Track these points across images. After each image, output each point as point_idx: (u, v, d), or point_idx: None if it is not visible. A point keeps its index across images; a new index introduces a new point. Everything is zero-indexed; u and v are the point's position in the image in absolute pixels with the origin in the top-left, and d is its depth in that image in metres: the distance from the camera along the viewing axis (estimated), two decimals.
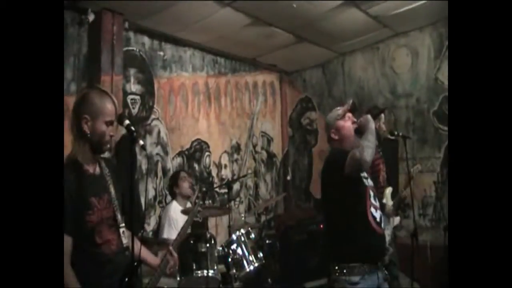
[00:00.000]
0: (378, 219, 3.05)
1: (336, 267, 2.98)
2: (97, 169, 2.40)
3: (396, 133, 4.48)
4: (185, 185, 4.96)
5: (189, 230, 3.97)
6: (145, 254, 2.82)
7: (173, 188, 5.00)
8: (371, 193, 3.08)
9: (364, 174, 3.17)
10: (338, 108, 3.25)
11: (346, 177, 2.90)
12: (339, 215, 2.99)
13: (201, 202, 3.61)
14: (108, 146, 2.37)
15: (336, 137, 3.14)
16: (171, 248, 2.84)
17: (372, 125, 2.99)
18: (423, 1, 5.43)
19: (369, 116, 3.05)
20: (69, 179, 2.23)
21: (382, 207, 4.40)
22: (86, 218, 2.24)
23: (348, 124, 3.13)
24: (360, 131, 3.05)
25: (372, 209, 3.02)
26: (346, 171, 2.86)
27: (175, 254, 2.82)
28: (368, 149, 2.85)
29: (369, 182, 3.14)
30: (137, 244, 2.35)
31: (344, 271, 2.94)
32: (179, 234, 3.43)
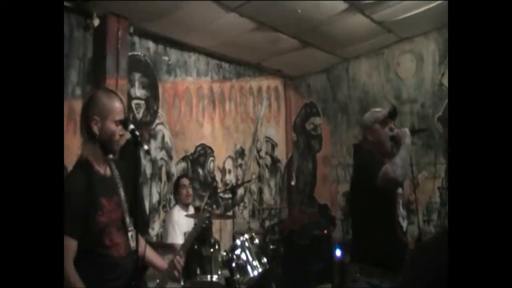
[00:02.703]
0: (404, 229, 3.04)
1: (358, 268, 2.98)
2: (108, 171, 2.39)
3: None
4: (183, 192, 4.92)
5: None
6: (153, 256, 2.82)
7: (175, 195, 5.01)
8: (401, 201, 3.07)
9: None
10: (378, 109, 3.21)
11: (377, 186, 2.88)
12: (367, 218, 2.98)
13: (209, 209, 3.60)
14: (118, 146, 2.35)
15: (371, 139, 3.12)
16: (181, 252, 2.82)
17: (408, 140, 2.91)
18: (428, 7, 5.42)
19: (407, 130, 2.97)
20: (80, 179, 2.23)
21: None
22: (96, 219, 2.23)
23: (385, 130, 3.09)
24: (394, 141, 3.01)
25: (400, 218, 3.01)
26: (379, 184, 2.82)
27: (183, 258, 2.80)
28: (401, 168, 2.79)
29: (399, 190, 3.12)
30: (144, 247, 2.34)
31: (365, 272, 2.94)
32: (186, 240, 3.41)
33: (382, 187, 2.83)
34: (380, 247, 2.92)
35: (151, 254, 2.86)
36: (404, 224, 3.03)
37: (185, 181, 5.02)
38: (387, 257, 2.90)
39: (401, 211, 3.03)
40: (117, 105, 2.34)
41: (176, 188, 4.99)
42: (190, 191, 4.99)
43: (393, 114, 3.12)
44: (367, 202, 2.97)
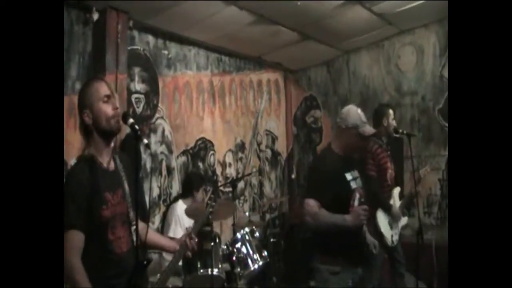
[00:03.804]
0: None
1: (319, 257, 3.07)
2: (112, 164, 2.38)
3: (400, 131, 4.47)
4: (202, 194, 4.97)
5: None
6: (161, 239, 2.83)
7: (192, 190, 4.97)
8: (357, 195, 3.12)
9: (355, 174, 3.22)
10: (363, 117, 3.22)
11: (330, 179, 2.99)
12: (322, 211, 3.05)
13: (213, 203, 3.61)
14: (116, 124, 2.31)
15: (343, 135, 3.18)
16: (192, 234, 2.83)
17: (349, 221, 3.01)
18: None
19: (360, 218, 3.03)
20: (83, 174, 2.22)
21: (389, 207, 4.41)
22: (100, 213, 2.23)
23: (356, 140, 3.15)
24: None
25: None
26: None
27: (195, 238, 2.81)
28: (320, 224, 3.00)
29: (357, 183, 3.19)
30: (151, 231, 2.34)
31: (326, 261, 3.03)
32: (197, 224, 3.45)
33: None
34: (337, 238, 3.00)
35: (158, 238, 2.88)
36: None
37: (207, 188, 5.09)
38: (345, 247, 3.00)
39: (356, 204, 3.09)
40: (96, 85, 2.34)
41: (198, 188, 4.97)
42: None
43: (374, 135, 3.23)
44: (322, 196, 3.05)
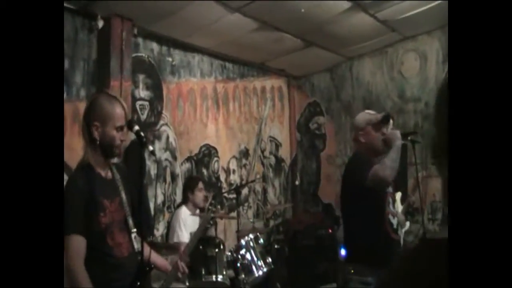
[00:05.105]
0: (395, 226, 3.07)
1: (351, 268, 2.99)
2: (109, 174, 2.42)
3: (409, 138, 4.47)
4: (200, 195, 4.94)
5: None
6: (155, 258, 2.84)
7: (187, 193, 4.98)
8: (390, 200, 3.10)
9: None
10: (372, 112, 3.24)
11: (366, 186, 2.91)
12: (357, 219, 3.01)
13: (213, 209, 3.61)
14: (118, 151, 2.39)
15: (363, 141, 3.14)
16: (185, 254, 2.85)
17: (398, 142, 2.96)
18: (431, 5, 5.42)
19: (398, 133, 3.01)
20: (82, 181, 2.26)
21: (395, 212, 4.42)
22: (99, 219, 2.25)
23: (377, 134, 3.11)
24: (385, 144, 3.03)
25: (390, 216, 3.04)
26: (367, 184, 2.87)
27: (187, 259, 2.83)
28: (390, 169, 2.85)
29: (389, 189, 3.15)
30: (147, 248, 2.37)
31: (359, 272, 2.95)
32: (191, 241, 3.45)
33: (371, 187, 2.87)
34: (371, 246, 2.94)
35: (153, 256, 2.89)
36: (395, 221, 3.06)
37: (201, 184, 5.05)
38: (379, 255, 2.92)
39: (391, 209, 3.06)
40: (118, 111, 2.35)
41: (192, 189, 4.97)
42: (205, 192, 5.04)
43: (386, 119, 3.15)
44: (356, 202, 3.00)
